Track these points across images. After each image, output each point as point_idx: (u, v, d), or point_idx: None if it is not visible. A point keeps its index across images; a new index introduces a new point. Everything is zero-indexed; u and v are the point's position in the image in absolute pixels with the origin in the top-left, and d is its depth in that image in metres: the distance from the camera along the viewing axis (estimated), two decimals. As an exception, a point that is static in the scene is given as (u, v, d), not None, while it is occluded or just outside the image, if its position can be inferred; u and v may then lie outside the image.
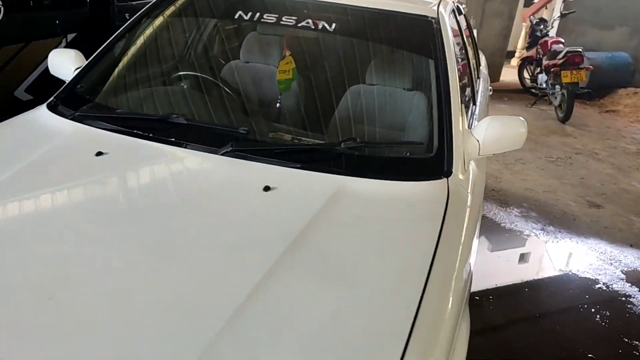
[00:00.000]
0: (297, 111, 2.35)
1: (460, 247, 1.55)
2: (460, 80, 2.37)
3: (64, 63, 2.25)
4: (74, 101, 2.06)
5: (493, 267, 3.40)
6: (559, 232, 3.86)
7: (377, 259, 1.39)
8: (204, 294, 1.22)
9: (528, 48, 8.04)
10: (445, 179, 1.77)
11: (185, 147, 1.79)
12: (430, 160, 1.84)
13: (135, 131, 1.86)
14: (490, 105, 3.60)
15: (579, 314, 2.93)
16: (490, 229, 3.79)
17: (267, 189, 1.60)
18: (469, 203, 1.79)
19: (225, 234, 1.43)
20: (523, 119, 2.06)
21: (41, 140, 1.83)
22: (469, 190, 1.86)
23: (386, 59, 2.36)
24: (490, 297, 3.01)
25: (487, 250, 3.58)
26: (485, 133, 1.96)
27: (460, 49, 2.71)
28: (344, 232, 1.48)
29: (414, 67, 2.30)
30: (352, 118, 2.15)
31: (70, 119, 1.93)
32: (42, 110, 2.03)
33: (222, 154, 1.75)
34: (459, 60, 2.48)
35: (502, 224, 3.88)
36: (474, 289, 3.00)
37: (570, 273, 3.38)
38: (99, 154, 1.74)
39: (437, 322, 1.24)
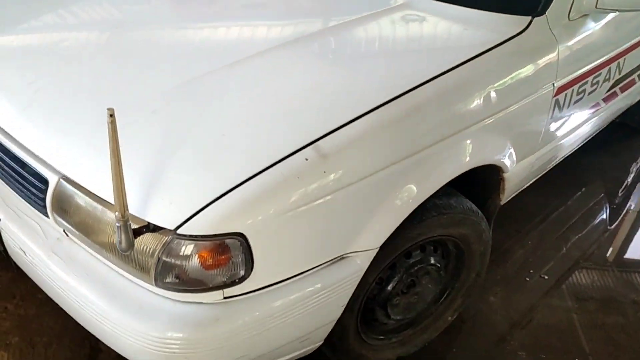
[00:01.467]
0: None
1: (488, 90, 1.46)
2: None
3: None
4: None
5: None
6: None
7: (382, 59, 1.45)
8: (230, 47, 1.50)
9: None
10: (529, 17, 1.64)
11: None
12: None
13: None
14: None
15: None
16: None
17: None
18: (546, 54, 1.64)
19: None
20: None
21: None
22: (561, 44, 1.67)
23: None
24: None
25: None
26: (609, -20, 1.72)
27: None
28: (377, 31, 1.55)
29: None
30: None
31: None
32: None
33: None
34: None
35: None
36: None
37: None
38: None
39: (379, 134, 1.25)
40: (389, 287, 1.58)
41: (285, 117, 1.22)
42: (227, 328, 1.13)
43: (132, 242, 1.01)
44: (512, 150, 1.64)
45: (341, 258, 1.28)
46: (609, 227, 2.58)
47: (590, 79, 1.89)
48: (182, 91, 1.28)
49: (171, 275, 1.08)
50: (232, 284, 1.11)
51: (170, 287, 1.10)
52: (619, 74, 2.11)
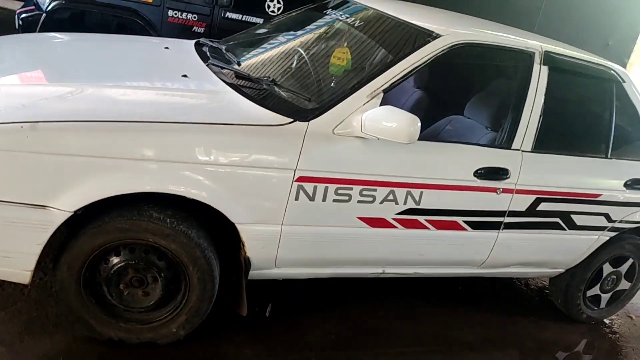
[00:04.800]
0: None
1: (209, 148, 2.06)
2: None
3: None
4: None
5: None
6: None
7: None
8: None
9: None
10: (291, 119, 2.20)
11: (205, 62, 2.77)
12: (293, 107, 2.28)
13: (202, 50, 2.96)
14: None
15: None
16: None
17: (184, 76, 2.48)
18: (287, 146, 2.16)
19: (139, 71, 2.55)
20: (417, 120, 2.18)
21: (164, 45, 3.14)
22: (309, 145, 2.17)
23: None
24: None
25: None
26: (371, 114, 2.22)
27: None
28: (174, 101, 2.30)
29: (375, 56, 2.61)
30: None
31: (194, 42, 3.16)
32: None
33: (206, 64, 2.69)
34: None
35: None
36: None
37: None
38: (166, 48, 2.95)
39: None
40: (112, 269, 2.13)
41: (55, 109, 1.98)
42: None
43: None
44: (238, 205, 2.14)
45: (42, 207, 1.92)
46: None
47: (356, 187, 2.30)
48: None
49: None
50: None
51: None
52: (416, 204, 2.45)
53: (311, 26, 3.17)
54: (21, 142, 1.85)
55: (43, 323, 2.24)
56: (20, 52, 2.65)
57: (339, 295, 2.98)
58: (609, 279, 3.31)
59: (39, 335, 2.18)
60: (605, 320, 3.51)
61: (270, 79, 2.47)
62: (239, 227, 2.20)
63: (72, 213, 1.95)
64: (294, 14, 3.43)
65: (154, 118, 2.04)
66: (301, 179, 2.20)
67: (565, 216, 2.87)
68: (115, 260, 2.13)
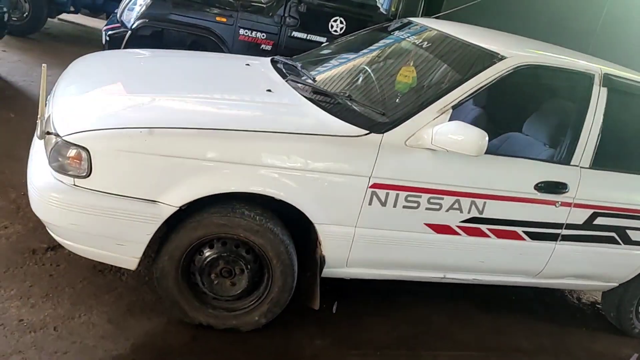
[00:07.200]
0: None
1: (289, 153, 2.30)
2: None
3: None
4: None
5: None
6: None
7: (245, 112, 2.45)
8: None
9: None
10: (367, 131, 2.43)
11: (284, 77, 3.04)
12: (368, 120, 2.50)
13: (278, 66, 3.23)
14: None
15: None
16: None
17: (269, 90, 2.74)
18: (363, 154, 2.39)
19: (228, 85, 2.85)
20: (486, 134, 2.38)
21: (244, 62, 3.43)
22: (383, 154, 2.40)
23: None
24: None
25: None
26: (441, 128, 2.43)
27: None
28: (263, 113, 2.55)
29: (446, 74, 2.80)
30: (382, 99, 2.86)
31: (269, 59, 3.45)
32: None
33: (285, 80, 2.95)
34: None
35: None
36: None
37: None
38: (247, 65, 3.23)
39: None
40: (206, 260, 2.39)
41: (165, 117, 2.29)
42: (67, 199, 2.15)
43: (43, 135, 2.14)
44: (318, 206, 2.37)
45: (153, 202, 2.20)
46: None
47: (424, 195, 2.51)
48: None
49: (55, 161, 2.15)
50: (78, 177, 2.13)
51: (54, 168, 2.17)
52: (479, 213, 2.64)
53: (377, 45, 3.42)
54: (140, 144, 2.14)
55: (141, 307, 2.52)
56: (137, 67, 3.07)
57: (398, 296, 3.17)
58: (662, 295, 3.39)
59: (139, 316, 2.46)
60: (658, 336, 3.58)
61: (347, 94, 2.71)
62: (317, 227, 2.43)
63: (177, 208, 2.22)
64: (361, 34, 3.68)
65: (248, 127, 2.30)
66: (375, 185, 2.42)
67: (621, 231, 3.00)
68: (208, 252, 2.39)
